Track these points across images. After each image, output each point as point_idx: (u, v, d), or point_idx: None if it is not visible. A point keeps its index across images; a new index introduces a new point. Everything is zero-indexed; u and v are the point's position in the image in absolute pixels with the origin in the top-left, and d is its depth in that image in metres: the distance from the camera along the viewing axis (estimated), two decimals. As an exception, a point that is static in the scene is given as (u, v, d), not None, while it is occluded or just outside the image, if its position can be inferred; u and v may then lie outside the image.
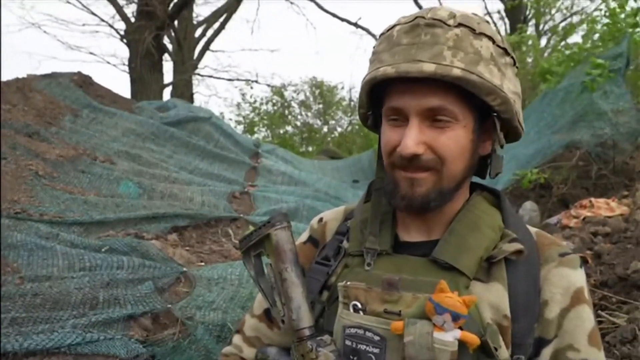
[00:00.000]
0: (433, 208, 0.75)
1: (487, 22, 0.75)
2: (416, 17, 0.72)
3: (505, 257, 0.73)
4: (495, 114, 0.74)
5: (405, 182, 0.74)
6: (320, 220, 0.93)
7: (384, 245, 0.78)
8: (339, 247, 0.84)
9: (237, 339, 0.95)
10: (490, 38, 0.72)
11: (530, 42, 7.92)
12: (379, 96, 0.77)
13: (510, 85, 0.74)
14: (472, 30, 0.71)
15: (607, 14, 5.12)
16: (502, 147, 0.78)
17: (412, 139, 0.70)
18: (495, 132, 0.75)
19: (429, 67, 0.68)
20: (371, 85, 0.75)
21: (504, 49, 0.74)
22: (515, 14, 11.77)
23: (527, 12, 12.49)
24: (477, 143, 0.76)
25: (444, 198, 0.75)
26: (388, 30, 0.75)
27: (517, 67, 0.78)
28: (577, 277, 0.75)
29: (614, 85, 4.27)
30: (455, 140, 0.72)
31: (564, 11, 12.15)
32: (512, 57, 0.75)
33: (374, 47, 0.78)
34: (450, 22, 0.70)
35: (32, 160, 3.16)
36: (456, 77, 0.68)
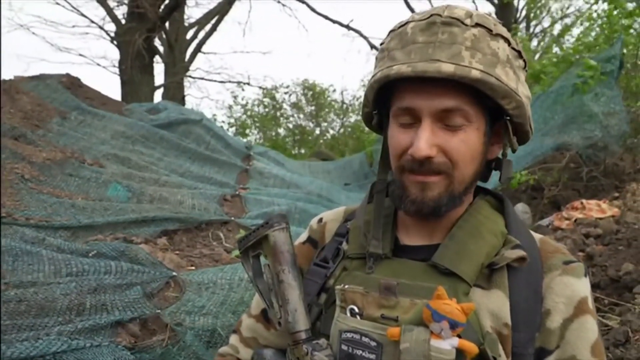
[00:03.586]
0: (443, 213, 0.72)
1: (501, 23, 0.73)
2: (432, 15, 0.69)
3: (508, 264, 0.71)
4: (508, 118, 0.72)
5: (415, 186, 0.71)
6: (320, 220, 0.91)
7: (384, 249, 0.76)
8: (338, 248, 0.82)
9: (233, 339, 0.93)
10: (506, 40, 0.70)
11: (521, 43, 7.97)
12: (387, 95, 0.74)
13: (524, 89, 0.72)
14: (489, 30, 0.68)
15: (604, 14, 5.14)
16: (514, 151, 0.76)
17: (426, 141, 0.68)
18: (507, 135, 0.74)
19: (448, 68, 0.65)
20: (381, 84, 0.71)
21: (519, 52, 0.72)
22: (505, 17, 11.86)
23: (518, 15, 12.61)
24: (487, 146, 0.74)
25: (455, 202, 0.73)
26: (400, 27, 0.72)
27: (526, 71, 0.76)
28: (581, 287, 0.72)
29: (606, 88, 4.29)
30: (467, 142, 0.70)
31: (558, 13, 12.28)
32: (524, 60, 0.73)
33: (381, 44, 0.75)
34: (468, 21, 0.68)
35: (18, 163, 3.09)
36: (475, 79, 0.65)
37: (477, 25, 0.68)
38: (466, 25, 0.68)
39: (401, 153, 0.72)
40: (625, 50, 4.68)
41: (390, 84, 0.71)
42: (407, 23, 0.72)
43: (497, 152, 0.78)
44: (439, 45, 0.67)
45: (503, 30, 0.70)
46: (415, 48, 0.68)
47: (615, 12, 4.91)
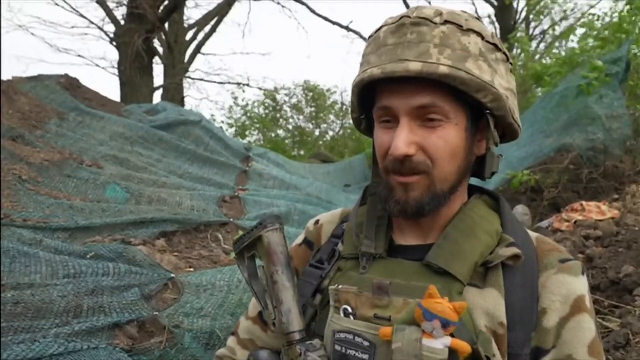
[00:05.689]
0: (427, 212, 0.73)
1: (477, 18, 0.73)
2: (402, 17, 0.71)
3: (503, 262, 0.70)
4: (488, 111, 0.72)
5: (399, 187, 0.72)
6: (317, 222, 0.92)
7: (379, 249, 0.77)
8: (333, 250, 0.82)
9: (231, 341, 0.94)
10: (478, 34, 0.70)
11: (518, 44, 7.95)
12: (370, 99, 0.75)
13: (502, 82, 0.72)
14: (459, 26, 0.69)
15: (616, 14, 5.08)
16: (496, 145, 0.77)
17: (403, 139, 0.69)
18: (489, 129, 0.74)
19: (414, 66, 0.66)
20: (360, 88, 0.73)
21: (495, 45, 0.72)
22: (505, 18, 11.86)
23: (517, 17, 12.61)
24: (472, 142, 0.74)
25: (439, 201, 0.73)
26: (375, 32, 0.74)
27: (510, 63, 0.76)
28: (578, 285, 0.72)
29: (610, 90, 4.27)
30: (445, 139, 0.70)
31: (560, 14, 12.26)
32: (503, 53, 0.74)
33: (363, 50, 0.77)
34: (437, 19, 0.69)
35: (15, 164, 3.09)
36: (443, 75, 0.66)
37: (447, 22, 0.69)
38: (435, 23, 0.69)
39: (384, 153, 0.73)
40: (634, 51, 4.61)
41: (371, 87, 0.73)
42: (380, 28, 0.74)
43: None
44: (407, 45, 0.68)
45: (476, 25, 0.71)
46: (386, 50, 0.70)
47: (627, 11, 4.83)
